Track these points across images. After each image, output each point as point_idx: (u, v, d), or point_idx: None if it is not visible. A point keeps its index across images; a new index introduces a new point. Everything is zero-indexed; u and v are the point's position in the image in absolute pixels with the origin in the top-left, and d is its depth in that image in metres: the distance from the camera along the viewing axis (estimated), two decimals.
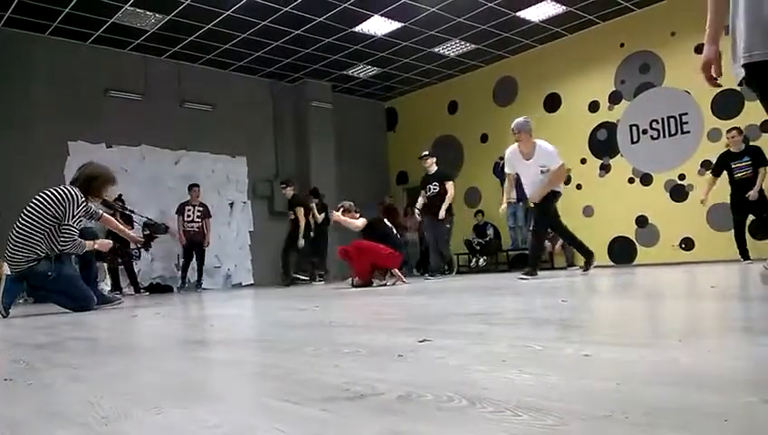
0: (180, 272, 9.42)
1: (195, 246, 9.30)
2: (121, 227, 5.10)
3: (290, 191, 9.43)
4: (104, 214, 4.82)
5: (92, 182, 4.45)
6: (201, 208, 9.37)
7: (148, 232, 5.03)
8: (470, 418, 0.78)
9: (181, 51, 9.88)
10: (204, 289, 9.42)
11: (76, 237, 4.25)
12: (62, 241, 4.19)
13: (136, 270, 9.01)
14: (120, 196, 9.03)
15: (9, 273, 4.25)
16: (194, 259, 9.37)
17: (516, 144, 6.00)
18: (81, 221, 4.40)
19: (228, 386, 1.21)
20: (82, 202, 4.31)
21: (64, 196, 4.23)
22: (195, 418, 0.88)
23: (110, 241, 4.75)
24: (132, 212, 6.13)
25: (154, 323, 3.12)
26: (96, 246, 4.48)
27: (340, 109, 11.90)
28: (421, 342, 1.53)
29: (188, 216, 9.31)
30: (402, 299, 3.79)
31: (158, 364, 1.56)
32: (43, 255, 4.19)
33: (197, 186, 9.45)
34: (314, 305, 3.56)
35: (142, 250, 5.36)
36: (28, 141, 8.60)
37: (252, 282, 10.71)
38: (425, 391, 0.94)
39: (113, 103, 9.55)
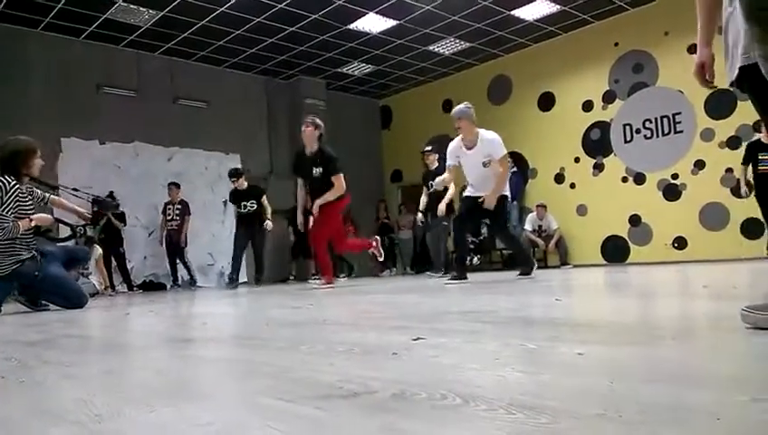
0: (170, 270, 9.39)
1: (174, 245, 9.27)
2: (69, 205, 4.81)
3: (243, 182, 8.48)
4: (51, 196, 4.62)
5: (16, 159, 4.22)
6: (180, 207, 9.32)
7: (96, 208, 4.82)
8: (464, 416, 0.78)
9: (175, 47, 9.83)
10: (198, 286, 9.40)
11: (6, 224, 4.02)
12: None
13: (129, 267, 8.98)
14: (112, 193, 9.01)
15: None
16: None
17: (459, 136, 5.56)
18: (20, 207, 4.15)
19: (221, 384, 1.21)
20: (12, 187, 4.11)
21: None
22: (187, 416, 0.88)
23: (49, 216, 4.54)
24: (76, 190, 5.62)
25: (147, 321, 3.11)
26: (34, 223, 4.22)
27: (334, 106, 11.88)
28: (415, 340, 1.54)
29: (169, 214, 9.28)
30: (395, 297, 3.80)
31: (151, 362, 1.55)
32: (25, 256, 4.13)
33: (176, 184, 9.37)
34: (308, 303, 3.56)
35: (88, 228, 5.08)
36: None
37: (245, 280, 10.69)
38: (419, 389, 0.94)
39: (106, 100, 9.50)
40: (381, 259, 6.90)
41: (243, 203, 8.39)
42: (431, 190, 8.03)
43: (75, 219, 5.18)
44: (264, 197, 8.48)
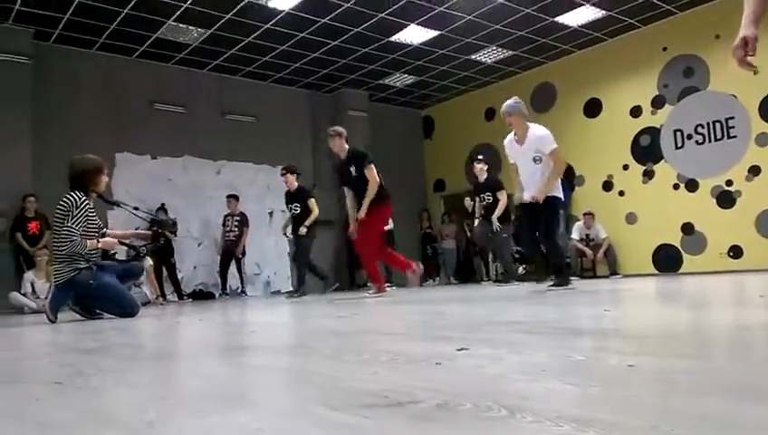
0: (220, 279, 9.61)
1: (232, 255, 9.48)
2: (125, 234, 5.06)
3: (293, 182, 7.73)
4: (107, 232, 4.80)
5: (84, 177, 4.48)
6: (239, 218, 9.55)
7: (156, 228, 5.03)
8: (509, 427, 0.77)
9: (222, 64, 10.10)
10: (247, 296, 9.58)
11: (75, 238, 4.26)
12: (61, 241, 4.27)
13: (179, 277, 9.22)
14: (163, 205, 9.29)
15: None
16: (232, 267, 9.57)
17: (512, 132, 5.39)
18: (88, 222, 4.39)
19: (269, 391, 1.22)
20: (83, 203, 4.36)
21: (66, 201, 4.35)
22: (236, 422, 0.90)
23: (115, 240, 4.80)
24: (136, 208, 5.77)
25: (197, 330, 3.19)
26: (100, 245, 4.51)
27: (376, 117, 11.95)
28: (459, 350, 1.52)
29: (227, 226, 9.52)
30: (441, 307, 3.77)
31: (201, 370, 1.59)
32: (82, 266, 4.34)
33: (235, 196, 9.62)
34: (353, 313, 3.57)
35: (149, 246, 5.26)
36: (77, 153, 8.83)
37: (291, 289, 10.82)
38: (463, 399, 0.94)
39: (157, 116, 9.82)
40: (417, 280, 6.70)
41: (289, 205, 7.75)
42: (483, 203, 8.05)
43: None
44: (312, 200, 7.60)
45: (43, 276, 7.36)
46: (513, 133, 5.39)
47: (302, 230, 7.44)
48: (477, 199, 8.44)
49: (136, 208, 5.49)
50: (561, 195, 5.30)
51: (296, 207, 7.63)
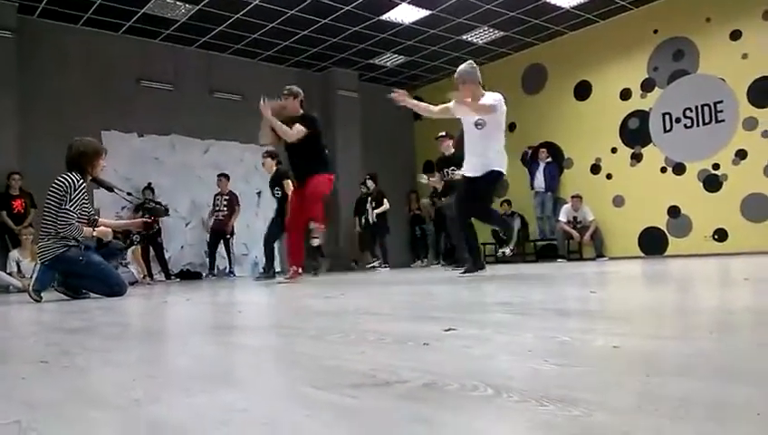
0: (208, 259, 9.59)
1: (221, 234, 9.45)
2: (119, 223, 4.96)
3: (272, 166, 7.59)
4: (100, 221, 4.76)
5: (82, 159, 4.44)
6: (228, 198, 9.51)
7: (148, 216, 4.95)
8: (495, 407, 0.78)
9: (210, 41, 9.96)
10: (235, 276, 9.57)
11: (73, 222, 4.27)
12: (60, 225, 4.26)
13: (167, 257, 9.18)
14: (150, 184, 9.21)
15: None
16: (221, 248, 9.55)
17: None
18: (83, 206, 4.39)
19: (256, 371, 1.23)
20: (80, 185, 4.34)
21: (63, 182, 4.30)
22: (223, 401, 0.90)
23: (110, 230, 4.71)
24: (129, 194, 5.63)
25: (184, 309, 3.18)
26: (95, 234, 4.49)
27: (366, 98, 11.88)
28: (447, 330, 1.53)
29: (217, 205, 9.48)
30: (427, 288, 3.79)
31: (188, 349, 1.59)
32: (72, 243, 4.31)
33: (225, 175, 9.56)
34: (340, 293, 3.58)
35: (143, 233, 5.18)
36: (63, 130, 8.75)
37: (279, 269, 10.82)
38: (450, 379, 0.94)
39: (144, 93, 9.69)
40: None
41: (272, 190, 7.70)
42: (447, 178, 7.85)
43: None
44: (288, 181, 7.22)
45: (28, 255, 7.30)
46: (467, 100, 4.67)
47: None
48: (439, 174, 8.26)
49: (129, 194, 5.41)
50: (502, 169, 4.80)
51: (278, 190, 7.57)
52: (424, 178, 7.96)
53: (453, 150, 7.90)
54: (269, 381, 1.09)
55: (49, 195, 4.35)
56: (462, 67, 4.79)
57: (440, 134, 8.25)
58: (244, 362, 1.35)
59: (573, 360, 1.10)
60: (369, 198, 10.07)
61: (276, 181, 7.59)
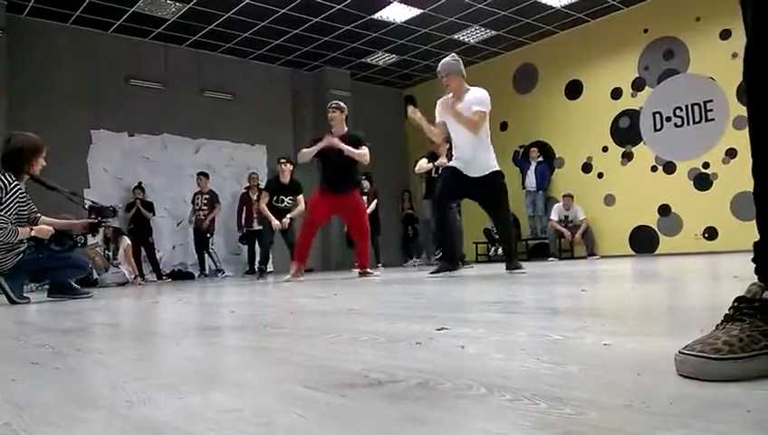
0: (198, 259, 9.55)
1: (202, 234, 9.40)
2: (61, 221, 4.62)
3: (288, 173, 7.36)
4: (41, 221, 4.33)
5: (20, 157, 4.09)
6: (208, 196, 9.47)
7: (94, 216, 4.68)
8: (488, 406, 0.78)
9: (201, 39, 9.93)
10: (225, 275, 9.54)
11: (7, 226, 3.91)
12: None
13: (158, 257, 9.14)
14: (140, 183, 9.17)
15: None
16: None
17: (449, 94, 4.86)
18: (20, 208, 4.06)
19: (248, 371, 1.22)
20: (14, 187, 4.00)
21: None
22: (216, 402, 0.90)
23: (50, 228, 4.29)
24: (74, 194, 5.37)
25: (175, 310, 3.17)
26: (33, 233, 4.13)
27: (358, 97, 11.87)
28: (439, 330, 1.54)
29: (196, 204, 9.43)
30: (420, 287, 3.80)
31: (180, 350, 1.58)
32: (23, 248, 4.10)
33: (205, 174, 9.53)
34: (333, 293, 3.58)
35: (89, 235, 4.92)
36: (52, 130, 8.71)
37: (272, 269, 10.80)
38: (443, 378, 0.95)
39: (135, 92, 9.65)
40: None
41: (281, 197, 7.34)
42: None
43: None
44: (301, 197, 7.35)
45: None
46: (450, 95, 4.88)
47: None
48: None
49: (74, 194, 5.08)
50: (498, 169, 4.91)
51: (291, 199, 7.47)
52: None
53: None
54: (261, 381, 1.08)
55: None
56: (445, 60, 4.88)
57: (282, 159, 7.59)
58: (237, 363, 1.35)
59: (565, 358, 1.10)
60: (367, 199, 10.05)
61: (294, 190, 7.39)
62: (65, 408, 0.92)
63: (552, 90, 10.59)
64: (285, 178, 7.30)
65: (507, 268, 4.95)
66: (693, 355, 0.86)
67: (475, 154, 4.82)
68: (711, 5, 8.58)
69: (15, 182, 4.03)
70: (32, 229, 4.11)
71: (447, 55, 5.08)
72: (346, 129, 6.01)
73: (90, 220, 4.53)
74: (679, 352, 0.89)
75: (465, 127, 4.72)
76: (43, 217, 4.39)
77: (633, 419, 0.69)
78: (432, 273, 4.93)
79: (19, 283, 4.21)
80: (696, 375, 0.84)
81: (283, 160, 7.36)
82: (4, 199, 3.93)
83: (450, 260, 4.97)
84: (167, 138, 9.97)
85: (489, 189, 4.88)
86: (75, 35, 9.12)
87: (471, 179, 4.84)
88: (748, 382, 0.84)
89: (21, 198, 4.08)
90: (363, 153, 5.87)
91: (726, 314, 0.97)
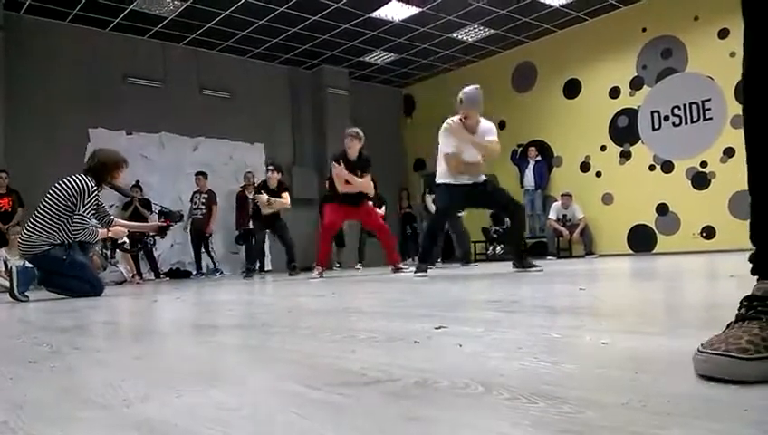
0: (195, 258, 9.54)
1: (201, 233, 9.39)
2: (135, 224, 5.14)
3: (275, 179, 7.78)
4: (115, 220, 4.87)
5: (103, 169, 4.54)
6: (206, 196, 9.45)
7: (163, 220, 5.04)
8: (486, 404, 0.78)
9: (199, 38, 9.91)
10: (223, 274, 9.53)
11: (87, 226, 4.37)
12: (73, 230, 4.32)
13: (156, 255, 9.13)
14: (138, 182, 9.15)
15: (18, 263, 4.35)
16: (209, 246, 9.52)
17: (458, 118, 5.21)
18: (94, 210, 4.51)
19: (246, 370, 1.22)
20: (94, 191, 4.41)
21: (77, 185, 4.33)
22: (214, 400, 0.89)
23: (125, 229, 4.82)
24: (148, 201, 5.88)
25: (174, 308, 3.17)
26: (110, 234, 4.62)
27: (357, 95, 11.87)
28: (437, 328, 1.54)
29: (195, 203, 9.41)
30: (418, 286, 3.80)
31: (178, 348, 1.58)
32: (57, 242, 4.30)
33: (203, 173, 9.50)
34: (331, 292, 3.58)
35: (157, 238, 5.32)
36: (50, 128, 8.72)
37: (270, 268, 10.80)
38: (441, 377, 0.95)
39: (133, 90, 9.63)
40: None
41: (276, 195, 7.66)
42: None
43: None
44: (287, 193, 7.74)
45: (16, 253, 7.22)
46: (459, 118, 5.21)
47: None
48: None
49: (148, 202, 5.56)
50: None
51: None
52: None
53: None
54: (260, 380, 1.08)
55: (54, 194, 4.32)
56: (474, 94, 5.18)
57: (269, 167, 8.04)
58: (235, 361, 1.35)
59: (563, 357, 1.10)
60: (372, 204, 9.94)
61: (277, 194, 7.69)
62: (63, 406, 0.92)
63: (551, 89, 10.59)
64: (273, 184, 7.74)
65: (522, 267, 4.95)
66: (718, 354, 0.84)
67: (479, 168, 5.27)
68: (709, 4, 8.58)
69: (96, 187, 4.45)
70: (109, 230, 4.60)
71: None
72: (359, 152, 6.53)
73: (159, 223, 5.03)
74: (700, 351, 0.87)
75: (489, 154, 5.28)
76: (117, 219, 4.94)
77: (631, 417, 0.69)
78: (416, 273, 5.16)
79: (30, 277, 4.29)
80: (721, 375, 0.83)
81: (270, 168, 7.85)
82: (86, 201, 4.34)
83: (428, 262, 5.37)
84: (165, 136, 9.96)
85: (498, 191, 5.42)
86: (73, 33, 9.10)
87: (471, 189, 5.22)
88: (746, 381, 0.84)
89: (99, 204, 4.57)
90: (366, 185, 6.35)
91: (739, 313, 0.96)
